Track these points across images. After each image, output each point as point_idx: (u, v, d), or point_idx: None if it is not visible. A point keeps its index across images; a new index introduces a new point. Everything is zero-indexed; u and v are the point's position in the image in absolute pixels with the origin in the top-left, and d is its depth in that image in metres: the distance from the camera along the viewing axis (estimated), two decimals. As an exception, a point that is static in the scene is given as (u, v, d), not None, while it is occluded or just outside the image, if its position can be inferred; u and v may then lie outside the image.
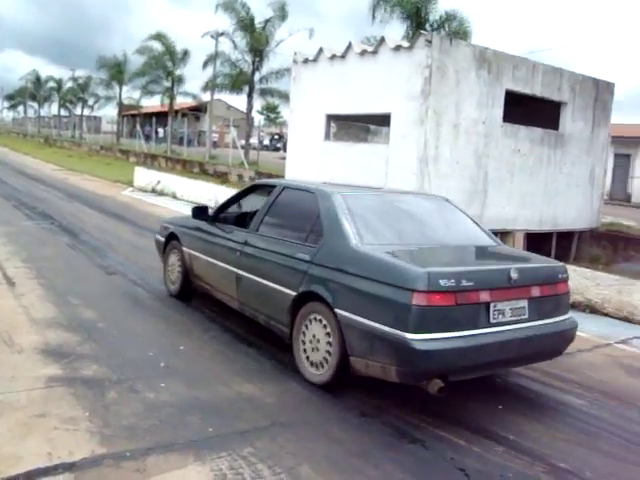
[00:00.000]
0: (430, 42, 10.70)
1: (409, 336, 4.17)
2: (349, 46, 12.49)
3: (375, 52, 11.81)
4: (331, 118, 13.68)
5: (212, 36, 33.49)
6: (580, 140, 13.59)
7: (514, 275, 4.65)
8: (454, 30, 24.20)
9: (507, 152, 12.12)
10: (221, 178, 25.24)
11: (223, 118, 49.19)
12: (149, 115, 51.09)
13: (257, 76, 32.22)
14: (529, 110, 13.06)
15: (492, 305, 4.54)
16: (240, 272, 6.02)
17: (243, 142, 31.51)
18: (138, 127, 42.37)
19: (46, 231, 11.56)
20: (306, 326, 5.11)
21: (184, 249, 7.24)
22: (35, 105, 79.63)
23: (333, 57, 12.86)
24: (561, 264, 5.44)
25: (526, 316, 4.76)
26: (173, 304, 7.22)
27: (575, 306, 7.95)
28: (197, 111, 57.14)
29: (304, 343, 5.12)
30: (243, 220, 6.64)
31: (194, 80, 75.54)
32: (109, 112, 61.35)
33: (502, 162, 12.04)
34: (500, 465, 4.01)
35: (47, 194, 17.92)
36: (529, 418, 4.84)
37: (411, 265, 4.50)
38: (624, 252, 13.62)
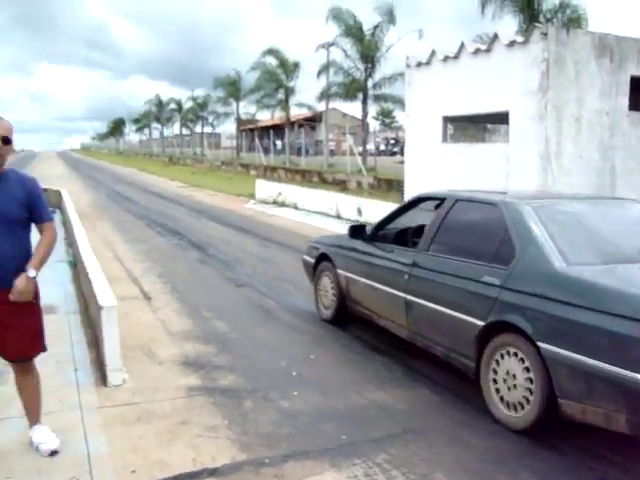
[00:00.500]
0: (545, 34, 10.44)
1: None
2: (462, 46, 12.38)
3: (489, 50, 11.65)
4: (447, 120, 13.60)
5: (323, 46, 33.93)
6: None
7: None
8: (568, 18, 23.28)
9: (635, 142, 11.56)
10: (340, 186, 25.46)
11: (339, 126, 49.64)
12: (266, 128, 52.39)
13: (370, 82, 32.34)
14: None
15: None
16: (410, 298, 5.39)
17: (360, 149, 31.66)
18: (256, 141, 43.59)
19: (176, 247, 12.16)
20: (497, 361, 4.44)
21: (339, 271, 6.70)
22: (159, 126, 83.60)
23: (446, 58, 12.80)
24: None
25: None
26: (300, 314, 7.39)
27: None
28: (312, 121, 58.01)
29: (496, 381, 4.47)
30: (405, 238, 6.17)
31: (307, 90, 76.90)
32: (228, 128, 63.69)
33: (630, 153, 11.52)
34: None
35: (175, 211, 18.83)
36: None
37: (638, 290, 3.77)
38: None
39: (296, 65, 42.03)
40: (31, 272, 3.59)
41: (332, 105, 39.89)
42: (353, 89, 32.80)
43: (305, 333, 6.67)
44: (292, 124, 47.31)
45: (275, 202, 21.07)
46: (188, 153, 66.60)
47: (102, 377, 5.12)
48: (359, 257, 6.34)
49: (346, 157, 30.84)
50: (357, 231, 6.46)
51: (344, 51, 32.53)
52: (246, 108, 51.84)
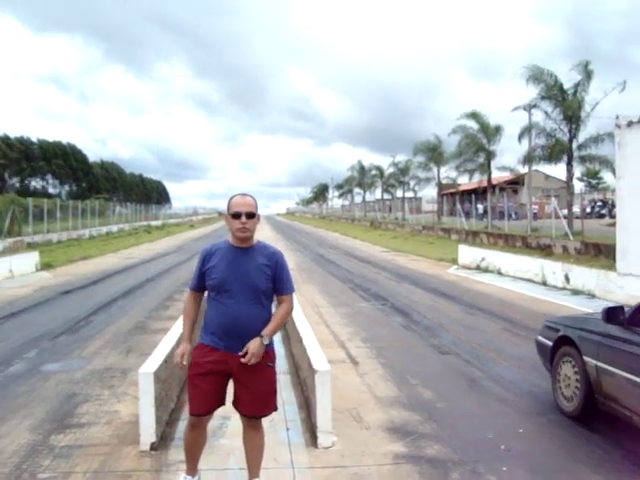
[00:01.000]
0: None
1: None
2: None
3: None
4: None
5: (524, 108, 33.34)
6: None
7: None
8: None
9: None
10: (544, 251, 24.57)
11: (542, 189, 48.28)
12: (467, 192, 52.20)
13: (574, 143, 31.15)
14: None
15: None
16: None
17: (565, 212, 30.42)
18: (457, 204, 43.50)
19: (380, 312, 12.40)
20: None
21: (586, 359, 5.78)
22: (361, 191, 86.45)
23: (663, 116, 12.06)
24: None
25: None
26: (506, 384, 7.20)
27: None
28: (514, 184, 56.91)
29: None
30: None
31: (507, 152, 75.64)
32: (428, 192, 64.19)
33: None
34: None
35: (377, 275, 19.23)
36: None
37: None
38: None
39: (497, 129, 41.67)
40: (265, 339, 3.90)
41: (535, 167, 38.87)
42: (556, 151, 31.70)
43: (511, 405, 6.49)
44: (494, 187, 46.72)
45: (478, 267, 20.81)
46: (389, 217, 67.94)
47: (312, 438, 5.35)
48: (616, 345, 5.38)
49: (550, 220, 29.77)
50: (615, 314, 5.49)
51: (545, 112, 31.79)
52: (447, 172, 52.08)
